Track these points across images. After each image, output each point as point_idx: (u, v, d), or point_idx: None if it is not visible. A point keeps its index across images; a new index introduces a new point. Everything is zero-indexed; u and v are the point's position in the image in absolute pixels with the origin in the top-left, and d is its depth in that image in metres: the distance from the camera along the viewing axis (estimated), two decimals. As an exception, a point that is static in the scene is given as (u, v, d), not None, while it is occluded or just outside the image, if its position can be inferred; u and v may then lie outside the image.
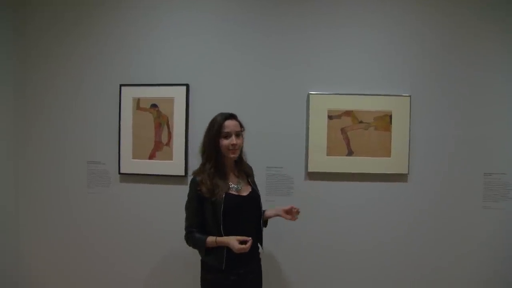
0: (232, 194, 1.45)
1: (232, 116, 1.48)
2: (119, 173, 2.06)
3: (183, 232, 2.01)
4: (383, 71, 1.98)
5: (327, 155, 1.92)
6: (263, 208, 1.59)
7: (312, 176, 1.96)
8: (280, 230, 1.98)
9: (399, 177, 1.96)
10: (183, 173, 2.00)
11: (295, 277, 2.00)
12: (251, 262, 1.50)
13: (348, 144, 1.92)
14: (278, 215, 1.59)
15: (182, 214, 1.98)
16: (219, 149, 1.44)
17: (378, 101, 1.93)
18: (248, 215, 1.49)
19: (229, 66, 2.02)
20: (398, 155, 1.93)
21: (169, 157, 2.02)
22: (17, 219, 2.16)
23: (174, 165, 2.01)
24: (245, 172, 1.58)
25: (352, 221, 1.99)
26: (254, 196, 1.52)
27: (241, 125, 1.50)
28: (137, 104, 2.04)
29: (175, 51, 2.05)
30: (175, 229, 2.00)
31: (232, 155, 1.45)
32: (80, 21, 2.11)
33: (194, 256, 1.96)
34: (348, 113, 1.93)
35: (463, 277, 1.99)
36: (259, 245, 1.57)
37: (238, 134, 1.46)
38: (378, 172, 1.93)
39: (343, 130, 1.92)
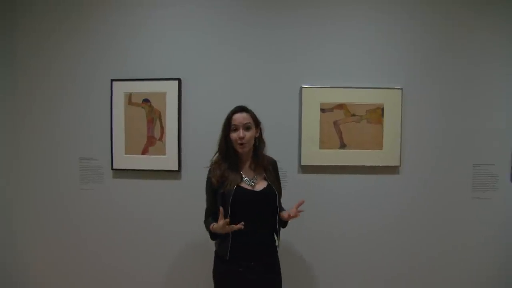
0: (244, 187, 1.42)
1: (242, 109, 1.47)
2: (112, 168, 2.04)
3: (178, 227, 2.05)
4: (375, 64, 1.99)
5: (320, 148, 1.94)
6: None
7: (305, 169, 1.98)
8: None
9: (391, 169, 1.98)
10: (176, 168, 2.00)
11: (291, 269, 2.02)
12: (262, 255, 1.44)
13: (340, 137, 1.94)
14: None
15: (177, 209, 2.02)
16: (230, 142, 1.45)
17: (370, 94, 1.95)
18: (261, 211, 1.43)
19: (221, 60, 2.01)
20: (390, 148, 1.95)
21: (162, 152, 2.01)
22: (9, 216, 2.14)
23: (167, 160, 2.00)
24: (263, 167, 1.52)
25: (345, 213, 2.01)
26: (268, 192, 1.46)
27: (254, 118, 1.48)
28: (129, 99, 2.02)
29: (167, 45, 2.03)
30: (170, 224, 2.03)
31: (240, 149, 1.44)
32: (70, 15, 2.07)
33: (191, 251, 2.00)
34: (340, 106, 1.94)
35: (454, 266, 2.04)
36: (276, 238, 1.52)
37: (248, 127, 1.44)
38: (371, 165, 1.96)
39: (335, 123, 1.94)
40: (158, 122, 2.01)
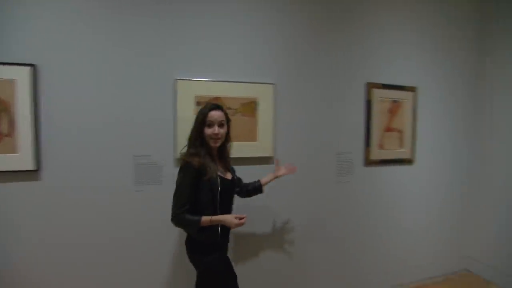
0: (222, 176, 1.57)
1: (217, 107, 1.57)
2: None
3: (42, 230, 1.80)
4: (249, 60, 2.08)
5: (196, 141, 1.94)
6: (257, 179, 1.88)
7: (181, 162, 1.96)
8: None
9: (265, 160, 2.12)
10: (33, 167, 1.75)
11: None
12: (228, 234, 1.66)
13: (216, 130, 1.97)
14: (275, 177, 1.88)
15: (38, 212, 1.77)
16: (204, 137, 1.53)
17: (245, 88, 2.03)
18: (231, 197, 1.68)
19: (88, 50, 1.80)
20: (263, 140, 2.08)
21: (12, 150, 1.72)
22: None
23: (19, 159, 1.73)
24: (226, 160, 1.67)
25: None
26: (235, 181, 1.72)
27: (226, 116, 1.59)
28: (-36, 87, 1.68)
29: (17, 24, 1.72)
30: (32, 228, 1.77)
31: (213, 144, 1.55)
32: None
33: (60, 259, 1.79)
34: (216, 99, 1.96)
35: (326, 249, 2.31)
36: None
37: (222, 124, 1.56)
38: (246, 156, 2.05)
39: (211, 116, 1.96)
40: (5, 116, 1.72)
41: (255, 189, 1.86)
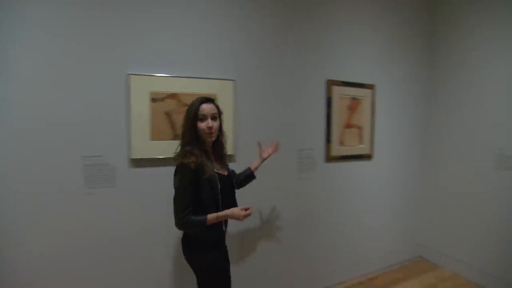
0: (219, 173, 1.53)
1: (208, 100, 1.51)
2: None
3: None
4: (208, 55, 2.01)
5: (151, 139, 1.84)
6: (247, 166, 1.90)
7: (136, 163, 1.85)
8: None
9: (227, 158, 2.07)
10: (-39, 172, 1.55)
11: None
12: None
13: (173, 127, 1.89)
14: (263, 160, 1.91)
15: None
16: (198, 131, 1.47)
17: (203, 84, 1.96)
18: (231, 192, 1.63)
19: (30, 42, 1.62)
20: (224, 137, 2.03)
21: None
22: None
23: None
24: (222, 155, 1.62)
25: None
26: (232, 176, 1.69)
27: (218, 109, 1.54)
28: None
29: None
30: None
31: (208, 138, 1.50)
32: None
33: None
34: (173, 96, 1.88)
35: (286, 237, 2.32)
36: None
37: (215, 117, 1.50)
38: (206, 154, 1.99)
39: (167, 114, 1.87)
40: None
41: (248, 176, 1.86)
